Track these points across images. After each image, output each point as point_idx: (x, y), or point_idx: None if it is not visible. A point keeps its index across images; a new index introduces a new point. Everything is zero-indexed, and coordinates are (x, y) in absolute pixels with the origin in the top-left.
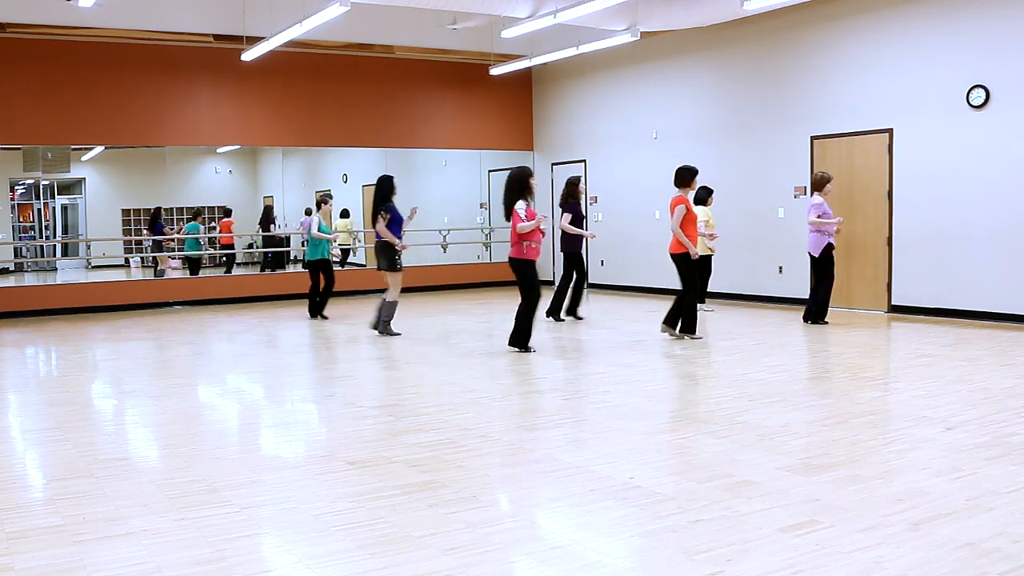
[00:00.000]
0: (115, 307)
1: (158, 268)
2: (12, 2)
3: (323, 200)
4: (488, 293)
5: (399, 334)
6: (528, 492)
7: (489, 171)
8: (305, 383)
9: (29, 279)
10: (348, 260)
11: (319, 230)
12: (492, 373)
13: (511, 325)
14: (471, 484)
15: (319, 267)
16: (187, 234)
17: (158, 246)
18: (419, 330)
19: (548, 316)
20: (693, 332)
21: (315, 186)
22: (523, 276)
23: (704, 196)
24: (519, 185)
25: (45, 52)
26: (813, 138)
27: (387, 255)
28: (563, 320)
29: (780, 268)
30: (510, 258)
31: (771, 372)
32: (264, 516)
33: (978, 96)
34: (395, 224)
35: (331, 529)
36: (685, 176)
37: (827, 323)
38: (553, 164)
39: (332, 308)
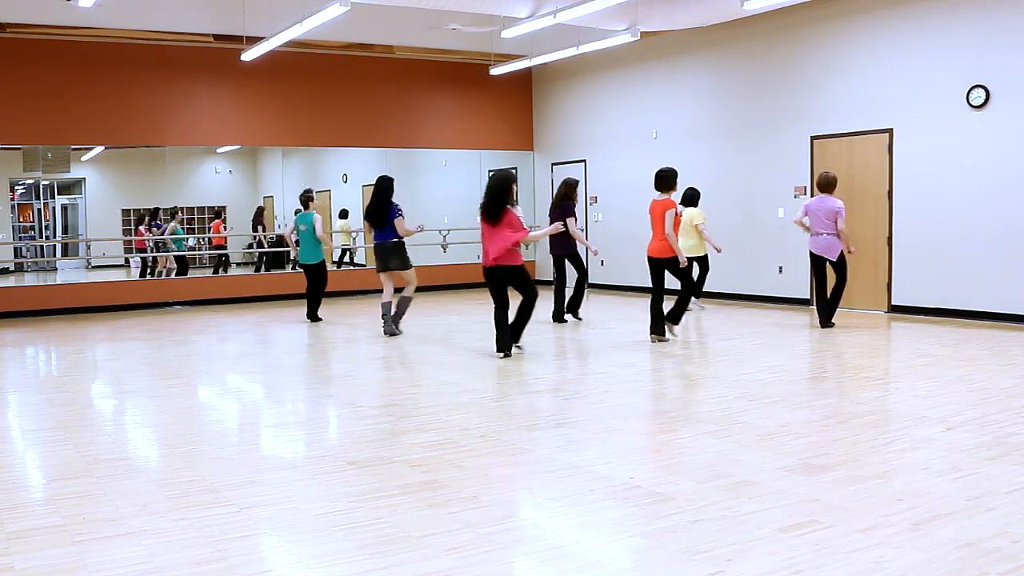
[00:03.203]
0: (115, 307)
1: (156, 268)
2: (12, 2)
3: (310, 198)
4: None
5: (400, 332)
6: (528, 492)
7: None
8: (305, 383)
9: (29, 279)
10: (345, 261)
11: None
12: (492, 373)
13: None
14: (471, 484)
15: (316, 269)
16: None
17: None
18: (419, 330)
19: (556, 320)
20: (663, 334)
21: (315, 186)
22: (524, 278)
23: (693, 196)
24: (507, 188)
25: (45, 52)
26: (813, 138)
27: (401, 255)
28: (567, 321)
29: (780, 268)
30: (509, 266)
31: (771, 372)
32: (264, 516)
33: (978, 96)
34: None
35: (331, 529)
36: (672, 180)
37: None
38: (553, 164)
39: (333, 306)
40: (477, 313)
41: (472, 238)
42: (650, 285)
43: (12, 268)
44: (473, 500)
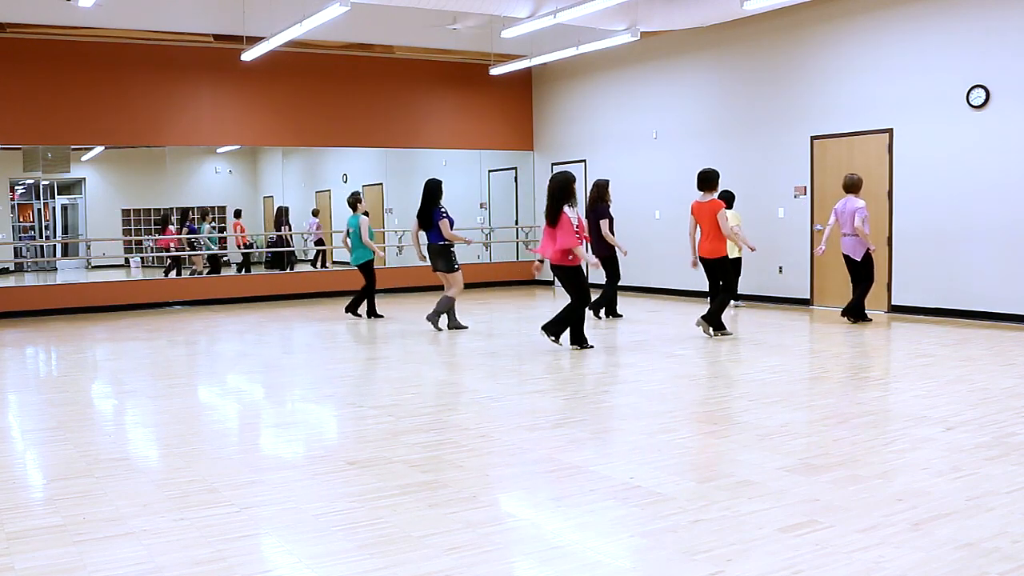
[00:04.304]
0: (115, 307)
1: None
2: (12, 2)
3: (358, 200)
4: (488, 293)
5: (466, 327)
6: (528, 492)
7: (489, 171)
8: (305, 383)
9: (29, 279)
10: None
11: (369, 236)
12: (492, 373)
13: (511, 326)
14: (471, 484)
15: (363, 269)
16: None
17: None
18: (420, 330)
19: (608, 316)
20: (723, 327)
21: (315, 186)
22: (577, 281)
23: (729, 198)
24: (566, 191)
25: (45, 52)
26: (813, 138)
27: (445, 257)
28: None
29: (780, 268)
30: (564, 267)
31: (771, 372)
32: (264, 516)
33: (978, 96)
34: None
35: (331, 529)
36: (714, 180)
37: (871, 320)
38: (553, 164)
39: (337, 305)
40: (477, 313)
41: (472, 238)
42: (650, 286)
43: (12, 268)
44: (473, 500)
